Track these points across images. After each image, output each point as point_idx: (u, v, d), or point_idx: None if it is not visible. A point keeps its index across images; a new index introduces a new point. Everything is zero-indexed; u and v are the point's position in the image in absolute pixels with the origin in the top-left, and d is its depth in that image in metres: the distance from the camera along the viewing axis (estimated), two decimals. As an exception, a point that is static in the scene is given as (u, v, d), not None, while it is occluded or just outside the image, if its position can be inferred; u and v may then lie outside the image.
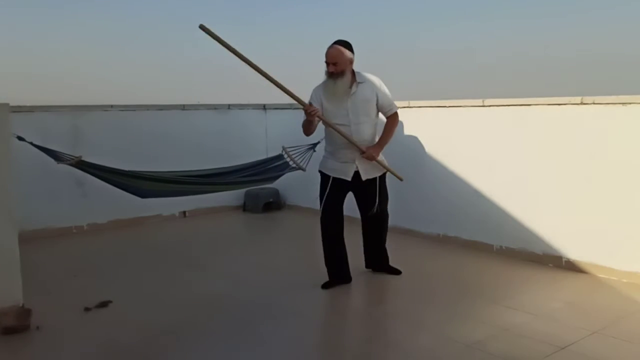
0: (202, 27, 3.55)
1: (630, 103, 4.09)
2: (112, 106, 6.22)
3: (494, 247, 4.98)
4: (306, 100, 3.98)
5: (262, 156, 5.28)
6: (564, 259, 4.52)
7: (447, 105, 5.27)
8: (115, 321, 3.56)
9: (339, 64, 3.82)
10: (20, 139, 3.89)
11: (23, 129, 4.00)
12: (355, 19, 9.44)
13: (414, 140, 5.55)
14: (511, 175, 4.82)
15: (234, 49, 3.65)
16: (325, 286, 4.12)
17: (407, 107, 5.56)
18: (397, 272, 4.41)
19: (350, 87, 3.91)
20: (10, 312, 3.35)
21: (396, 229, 5.66)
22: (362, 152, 3.96)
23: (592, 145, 4.30)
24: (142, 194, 4.56)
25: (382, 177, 4.19)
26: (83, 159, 4.24)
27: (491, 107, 4.92)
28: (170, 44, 8.63)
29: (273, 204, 7.08)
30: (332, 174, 4.07)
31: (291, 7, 9.57)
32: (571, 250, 4.48)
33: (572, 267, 4.46)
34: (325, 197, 4.09)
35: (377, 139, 4.08)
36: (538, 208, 4.66)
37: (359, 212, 4.32)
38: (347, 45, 3.89)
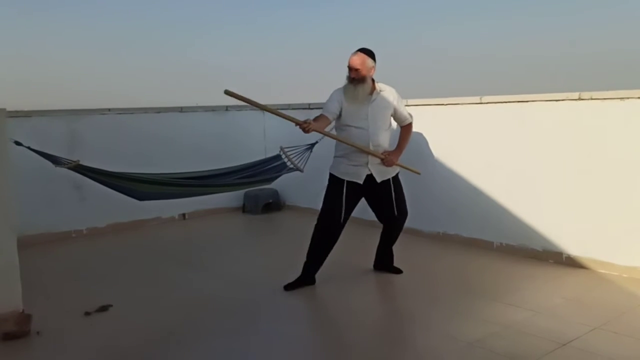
0: (227, 92, 3.64)
1: (628, 98, 4.09)
2: (109, 109, 6.21)
3: (494, 245, 4.98)
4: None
5: (260, 158, 5.27)
6: (564, 255, 4.52)
7: (444, 103, 5.26)
8: (115, 325, 3.55)
9: (360, 70, 3.93)
10: (18, 143, 3.88)
11: (20, 134, 3.99)
12: (354, 18, 9.44)
13: (412, 139, 5.52)
14: (510, 172, 4.82)
15: (260, 104, 3.85)
16: (288, 287, 4.12)
17: (405, 105, 5.52)
18: (398, 271, 4.41)
19: (371, 94, 4.03)
20: (10, 317, 3.34)
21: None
22: (382, 159, 4.07)
23: (591, 141, 4.30)
24: (140, 197, 4.55)
25: (396, 177, 4.24)
26: (81, 163, 4.24)
27: (489, 105, 4.91)
28: (167, 46, 8.63)
29: (272, 205, 7.07)
30: (346, 178, 4.09)
31: (289, 8, 9.58)
32: (571, 246, 4.48)
33: (572, 263, 4.46)
34: (341, 202, 4.07)
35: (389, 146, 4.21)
36: (537, 204, 4.66)
37: (376, 216, 4.36)
38: (370, 53, 4.00)
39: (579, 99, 4.32)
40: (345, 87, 4.04)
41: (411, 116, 4.30)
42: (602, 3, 7.63)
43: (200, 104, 7.06)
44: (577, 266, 4.42)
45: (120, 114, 6.28)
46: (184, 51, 8.66)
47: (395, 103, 4.15)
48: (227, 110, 7.16)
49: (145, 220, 6.35)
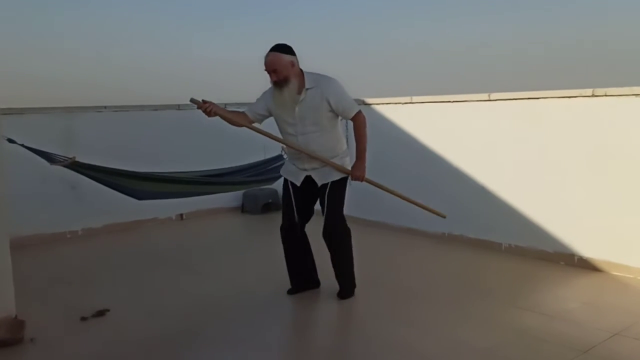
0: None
1: (643, 94, 3.97)
2: (105, 107, 6.06)
3: (503, 246, 4.84)
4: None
5: (260, 156, 5.16)
6: (576, 257, 4.39)
7: (451, 100, 5.12)
8: (112, 331, 3.40)
9: (278, 70, 3.47)
10: (11, 141, 3.74)
11: (14, 131, 3.84)
12: (357, 15, 9.28)
13: (417, 136, 5.41)
14: (519, 171, 4.69)
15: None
16: (292, 291, 3.94)
17: (410, 102, 5.43)
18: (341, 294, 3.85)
19: (300, 93, 3.54)
20: (2, 324, 3.19)
21: (399, 227, 5.54)
22: (351, 177, 3.67)
23: (604, 139, 4.17)
24: (139, 196, 4.43)
25: (338, 181, 3.67)
26: (77, 159, 4.10)
27: (498, 102, 4.78)
28: (165, 43, 8.46)
29: (272, 205, 6.92)
30: (287, 177, 3.82)
31: (292, 4, 9.44)
32: (583, 248, 4.35)
33: (584, 265, 4.33)
34: (291, 201, 3.78)
35: (341, 147, 3.70)
36: (548, 204, 4.53)
37: None
38: (284, 48, 3.53)
39: (593, 95, 4.19)
40: (272, 92, 3.60)
41: (358, 106, 3.65)
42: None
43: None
44: (590, 268, 4.29)
45: (116, 111, 6.12)
46: (180, 48, 8.50)
47: (328, 97, 3.51)
48: (226, 107, 7.00)
49: (142, 221, 6.20)
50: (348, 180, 3.72)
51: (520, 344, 3.06)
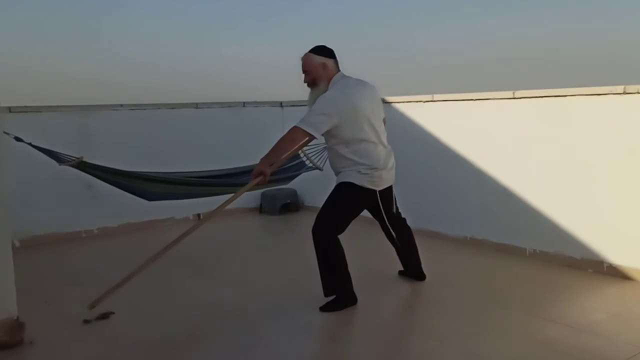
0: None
1: (679, 91, 3.72)
2: (122, 105, 6.01)
3: (527, 251, 4.62)
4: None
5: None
6: (605, 264, 4.14)
7: (474, 98, 4.91)
8: (115, 335, 3.30)
9: (308, 72, 3.48)
10: (18, 139, 3.70)
11: (30, 130, 3.82)
12: (378, 14, 9.15)
13: (439, 135, 5.22)
14: (545, 172, 4.46)
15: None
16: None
17: (431, 100, 5.24)
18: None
19: None
20: (1, 326, 3.11)
21: (419, 230, 5.33)
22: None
23: (637, 139, 3.92)
24: (149, 197, 4.36)
25: (337, 188, 3.60)
26: (85, 159, 4.05)
27: (523, 99, 4.55)
28: (182, 41, 8.44)
29: (291, 205, 6.81)
30: None
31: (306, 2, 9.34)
32: (613, 254, 4.10)
33: (614, 273, 4.08)
34: None
35: (345, 165, 3.56)
36: (576, 207, 4.29)
37: None
38: (319, 49, 3.49)
39: (624, 92, 3.94)
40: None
41: (305, 125, 3.35)
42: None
43: (216, 100, 6.82)
44: (620, 277, 4.04)
45: (132, 109, 6.07)
46: (198, 46, 8.47)
47: None
48: (244, 106, 6.94)
49: (158, 221, 6.13)
50: (347, 190, 3.57)
51: (542, 358, 2.86)
